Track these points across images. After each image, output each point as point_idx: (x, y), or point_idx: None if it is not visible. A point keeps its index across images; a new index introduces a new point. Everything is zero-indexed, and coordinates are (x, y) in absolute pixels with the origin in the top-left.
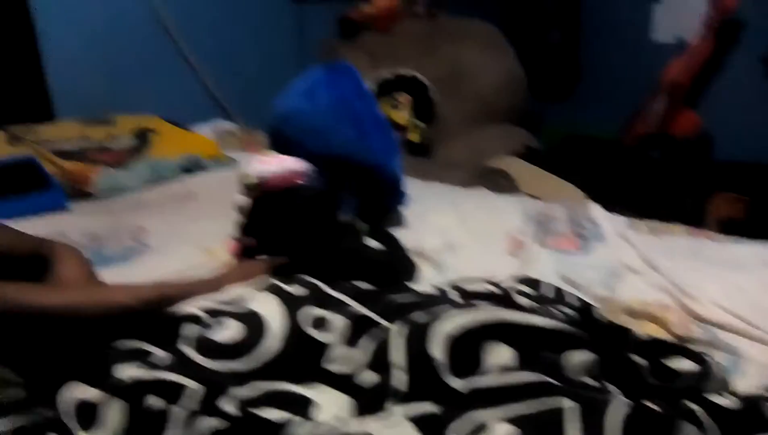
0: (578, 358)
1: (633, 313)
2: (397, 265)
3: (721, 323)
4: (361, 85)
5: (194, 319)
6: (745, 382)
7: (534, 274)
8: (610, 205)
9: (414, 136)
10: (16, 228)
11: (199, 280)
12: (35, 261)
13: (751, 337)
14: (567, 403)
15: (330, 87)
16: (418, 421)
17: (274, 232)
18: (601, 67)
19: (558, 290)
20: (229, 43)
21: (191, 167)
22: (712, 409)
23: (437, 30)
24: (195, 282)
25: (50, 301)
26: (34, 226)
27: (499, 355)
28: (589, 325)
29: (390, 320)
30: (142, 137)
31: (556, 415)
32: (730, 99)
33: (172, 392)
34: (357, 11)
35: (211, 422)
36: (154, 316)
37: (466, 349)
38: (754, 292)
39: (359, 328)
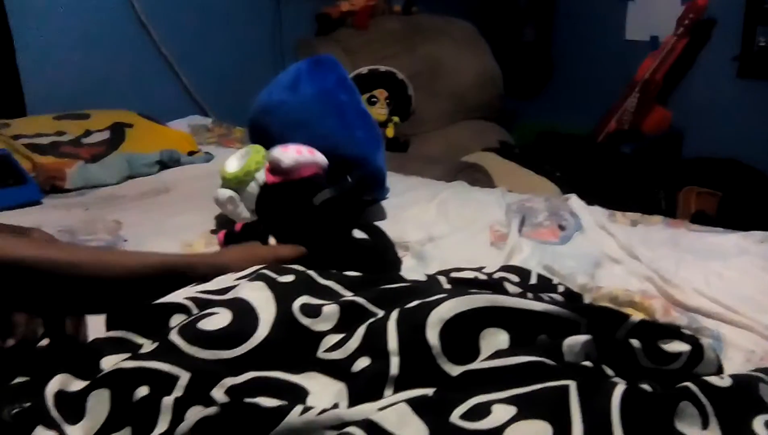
0: (575, 342)
1: (616, 302)
2: (383, 255)
3: (703, 310)
4: (345, 78)
5: (181, 309)
6: (729, 366)
7: (517, 264)
8: (586, 199)
9: (390, 132)
10: None
11: (202, 255)
12: None
13: (732, 323)
14: (568, 384)
15: (313, 79)
16: (417, 405)
17: (292, 219)
18: (574, 64)
19: (545, 278)
20: (206, 39)
21: (167, 162)
22: (707, 388)
23: (414, 27)
24: (200, 257)
25: (56, 256)
26: (9, 220)
27: (496, 339)
28: (583, 310)
29: (382, 307)
30: (118, 132)
31: (559, 395)
32: (701, 97)
33: (160, 381)
34: (334, 8)
35: (200, 410)
36: (140, 308)
37: (462, 335)
38: (734, 279)
39: (352, 315)
